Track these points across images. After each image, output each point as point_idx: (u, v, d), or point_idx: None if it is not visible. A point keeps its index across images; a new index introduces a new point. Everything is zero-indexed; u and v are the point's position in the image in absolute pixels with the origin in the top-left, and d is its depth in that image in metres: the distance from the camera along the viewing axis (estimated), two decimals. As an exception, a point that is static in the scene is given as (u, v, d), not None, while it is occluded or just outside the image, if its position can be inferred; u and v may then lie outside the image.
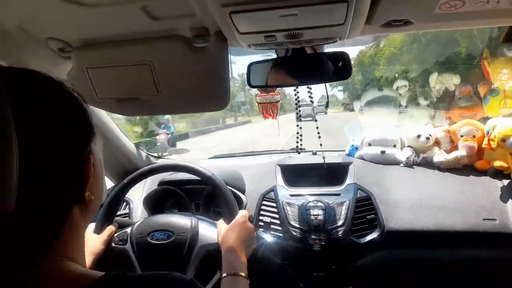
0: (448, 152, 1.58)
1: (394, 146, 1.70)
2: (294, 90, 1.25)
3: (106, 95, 1.05)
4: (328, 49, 1.15)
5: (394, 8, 0.80)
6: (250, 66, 1.12)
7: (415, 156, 1.63)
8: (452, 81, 1.74)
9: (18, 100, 0.44)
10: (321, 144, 1.47)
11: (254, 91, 1.32)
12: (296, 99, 1.25)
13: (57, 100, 0.52)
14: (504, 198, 1.31)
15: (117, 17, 0.84)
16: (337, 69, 1.09)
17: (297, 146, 1.41)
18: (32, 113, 0.47)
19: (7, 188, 0.38)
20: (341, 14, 0.74)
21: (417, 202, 1.35)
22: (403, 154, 1.64)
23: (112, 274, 0.52)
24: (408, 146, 1.69)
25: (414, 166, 1.60)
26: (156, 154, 2.02)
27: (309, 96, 1.25)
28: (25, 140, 0.42)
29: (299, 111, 1.29)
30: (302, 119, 1.34)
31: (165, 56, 0.95)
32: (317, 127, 1.36)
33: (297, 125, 1.30)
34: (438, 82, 1.78)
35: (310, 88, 1.21)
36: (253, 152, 2.19)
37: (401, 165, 1.61)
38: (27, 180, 0.42)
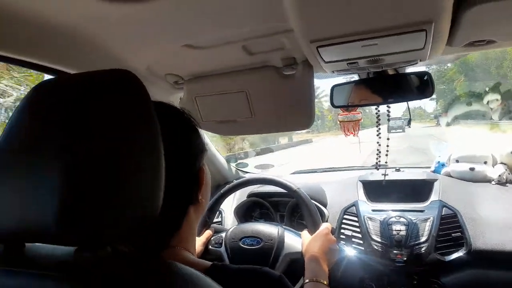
0: (548, 170, 1.48)
1: (485, 163, 1.63)
2: (376, 108, 1.30)
3: (209, 118, 1.25)
4: (410, 68, 1.20)
5: (475, 30, 0.83)
6: (333, 88, 1.21)
7: (509, 174, 1.55)
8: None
9: (162, 126, 0.60)
10: (386, 162, 1.48)
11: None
12: (377, 117, 1.30)
13: (182, 125, 0.69)
14: None
15: (222, 55, 1.02)
16: (419, 88, 1.12)
17: (376, 163, 1.45)
18: (170, 136, 0.60)
19: (158, 198, 0.49)
20: (420, 41, 0.79)
21: (509, 221, 1.29)
22: (495, 171, 1.56)
23: (219, 264, 0.66)
24: (501, 163, 1.60)
25: (507, 184, 1.52)
26: (244, 169, 2.20)
27: (387, 115, 1.29)
28: (165, 156, 0.54)
29: (379, 128, 1.34)
30: (393, 131, 1.36)
31: (259, 84, 1.11)
32: (387, 146, 1.38)
33: (377, 142, 1.35)
34: None
35: (389, 107, 1.26)
36: (334, 168, 2.25)
37: (493, 183, 1.54)
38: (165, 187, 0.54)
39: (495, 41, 0.89)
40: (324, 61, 0.92)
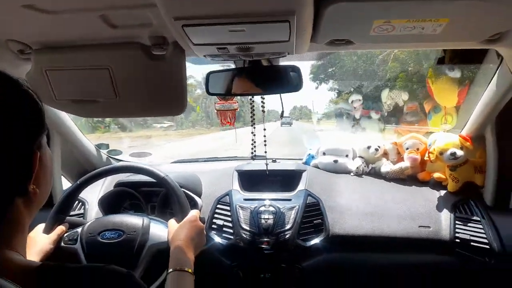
0: (394, 163, 1.69)
1: (347, 156, 1.80)
2: (250, 99, 1.31)
3: (64, 96, 1.08)
4: (284, 62, 1.23)
5: (334, 30, 0.88)
6: (209, 74, 1.18)
7: (365, 166, 1.74)
8: (401, 97, 1.87)
9: None
10: (265, 151, 1.53)
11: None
12: (251, 107, 1.31)
13: (9, 94, 0.55)
14: (439, 207, 1.43)
15: (77, 24, 0.87)
16: (290, 81, 1.16)
17: (252, 153, 1.47)
18: None
19: None
20: (285, 32, 0.81)
21: (362, 209, 1.44)
22: (354, 164, 1.74)
23: (51, 264, 0.56)
24: (359, 157, 1.79)
25: (363, 176, 1.71)
26: (117, 156, 2.03)
27: (262, 106, 1.31)
28: None
29: (254, 119, 1.35)
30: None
31: (124, 61, 0.99)
32: (264, 136, 1.42)
33: (252, 132, 1.36)
34: (389, 98, 1.90)
35: (264, 98, 1.28)
36: (216, 157, 2.23)
37: (352, 174, 1.71)
38: None
39: (353, 42, 0.96)
40: (192, 43, 0.87)
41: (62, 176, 1.67)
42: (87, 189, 1.28)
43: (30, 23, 0.87)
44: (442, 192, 1.52)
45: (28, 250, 1.08)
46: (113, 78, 1.01)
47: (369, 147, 1.74)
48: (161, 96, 1.08)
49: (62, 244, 1.15)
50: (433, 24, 0.81)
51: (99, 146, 1.87)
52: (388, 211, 1.43)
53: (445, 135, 1.53)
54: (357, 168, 1.70)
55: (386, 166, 1.67)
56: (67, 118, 1.55)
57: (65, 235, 1.17)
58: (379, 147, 1.73)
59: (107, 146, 1.97)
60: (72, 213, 1.49)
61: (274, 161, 1.92)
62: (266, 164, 1.60)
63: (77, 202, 1.54)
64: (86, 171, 1.71)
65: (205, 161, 2.19)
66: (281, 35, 0.83)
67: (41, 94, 1.01)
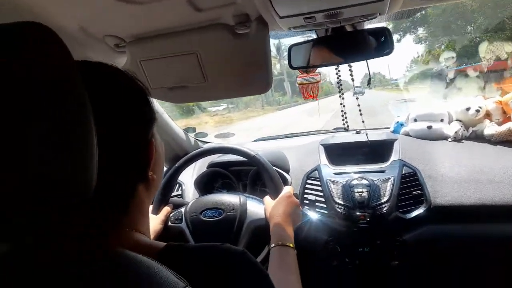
0: (500, 124, 1.51)
1: (442, 120, 1.65)
2: (336, 69, 1.25)
3: (159, 85, 1.13)
4: (369, 25, 1.15)
5: None
6: (290, 48, 1.14)
7: (464, 130, 1.58)
8: (504, 49, 1.64)
9: (93, 90, 0.51)
10: (363, 121, 1.48)
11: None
12: (338, 78, 1.25)
13: (126, 89, 0.59)
14: None
15: (165, 11, 0.90)
16: (379, 45, 1.08)
17: (343, 124, 1.42)
18: (105, 102, 0.52)
19: (90, 175, 0.42)
20: None
21: (465, 177, 1.32)
22: (451, 128, 1.59)
23: (173, 244, 0.59)
24: (457, 120, 1.63)
25: (463, 141, 1.56)
26: (204, 139, 2.12)
27: (350, 75, 1.25)
28: (100, 127, 0.46)
29: (341, 89, 1.30)
30: (356, 95, 1.34)
31: (210, 44, 1.01)
32: (359, 105, 1.36)
33: (341, 104, 1.31)
34: (489, 52, 1.68)
35: (351, 66, 1.22)
36: (296, 133, 2.22)
37: (449, 139, 1.57)
38: (102, 159, 0.46)
39: None
40: (279, 16, 0.85)
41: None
42: (183, 172, 1.36)
43: (123, 16, 0.91)
44: None
45: None
46: (201, 62, 1.04)
47: (468, 109, 1.57)
48: (247, 76, 1.08)
49: (169, 223, 1.24)
50: None
51: (186, 130, 1.96)
52: (497, 177, 1.29)
53: None
54: (456, 132, 1.55)
55: (490, 128, 1.50)
56: (158, 107, 1.64)
57: (171, 215, 1.26)
58: (480, 107, 1.55)
59: (193, 129, 2.06)
60: (172, 194, 1.60)
61: (358, 132, 1.85)
62: (352, 137, 1.54)
63: None
64: (177, 155, 1.82)
65: (285, 137, 2.19)
66: None
67: (138, 85, 1.07)
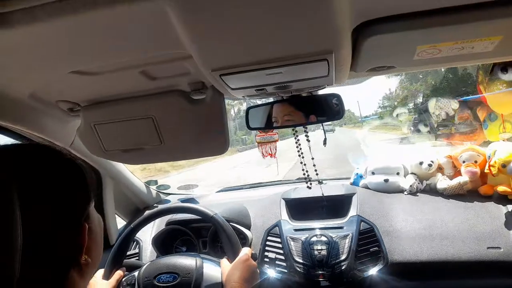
0: (451, 178, 1.58)
1: (398, 173, 1.71)
2: (293, 130, 1.29)
3: (113, 147, 1.12)
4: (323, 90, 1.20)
5: (374, 59, 0.84)
6: (248, 109, 1.18)
7: (419, 183, 1.64)
8: (451, 106, 1.76)
9: (22, 180, 0.49)
10: (317, 173, 1.49)
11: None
12: (296, 139, 1.29)
13: (55, 170, 0.56)
14: (508, 224, 1.30)
15: (120, 81, 0.91)
16: (331, 109, 1.13)
17: (305, 178, 1.44)
18: (33, 185, 0.51)
19: (13, 260, 0.41)
20: (323, 69, 0.78)
21: (420, 232, 1.35)
22: (406, 182, 1.65)
23: None
24: (411, 173, 1.70)
25: (418, 194, 1.61)
26: (166, 191, 2.08)
27: (306, 135, 1.29)
28: (26, 211, 0.45)
29: (302, 153, 1.32)
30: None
31: (166, 109, 1.02)
32: (313, 158, 1.38)
33: (299, 155, 1.33)
34: (437, 108, 1.79)
35: (306, 128, 1.26)
36: (261, 183, 2.22)
37: (405, 193, 1.62)
38: (27, 250, 0.45)
39: (395, 67, 0.91)
40: (230, 88, 0.88)
41: (116, 216, 1.74)
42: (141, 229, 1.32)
43: (77, 85, 0.91)
44: (510, 207, 1.38)
45: None
46: (157, 126, 1.04)
47: (421, 163, 1.65)
48: (204, 139, 1.09)
49: None
50: (484, 43, 0.75)
51: (148, 183, 1.93)
52: (450, 233, 1.32)
53: (506, 144, 1.42)
54: (411, 186, 1.61)
55: (442, 182, 1.56)
56: (118, 163, 1.62)
57: (123, 279, 1.19)
58: (432, 162, 1.63)
59: (155, 182, 2.03)
60: (128, 253, 1.53)
61: (320, 182, 1.88)
62: (311, 191, 1.55)
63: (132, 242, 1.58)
64: (137, 208, 1.78)
65: (250, 187, 2.19)
66: (320, 72, 0.81)
67: (91, 147, 1.06)
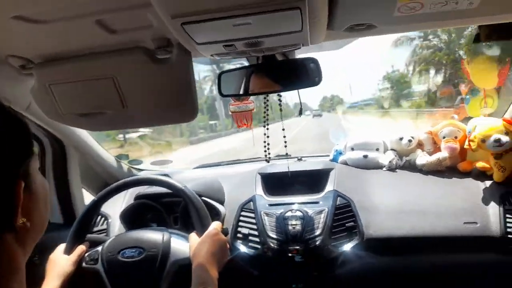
0: (431, 154, 1.55)
1: (377, 149, 1.67)
2: (264, 98, 1.22)
3: (70, 110, 1.03)
4: (301, 54, 1.13)
5: (353, 13, 0.78)
6: (220, 74, 1.11)
7: (398, 159, 1.61)
8: (434, 81, 1.72)
9: None
10: (286, 146, 1.43)
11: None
12: (265, 107, 1.22)
13: None
14: (485, 200, 1.28)
15: (74, 32, 0.82)
16: (308, 75, 1.06)
17: (265, 155, 1.38)
18: None
19: None
20: (296, 21, 0.71)
21: (398, 207, 1.32)
22: (385, 158, 1.61)
23: None
24: (391, 149, 1.66)
25: (397, 170, 1.58)
26: (138, 166, 1.99)
27: (279, 104, 1.22)
28: None
29: (267, 119, 1.26)
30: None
31: (128, 69, 0.94)
32: (284, 136, 1.32)
33: (264, 134, 1.26)
34: (420, 83, 1.75)
35: (280, 96, 1.19)
36: (239, 160, 2.16)
37: (384, 169, 1.59)
38: None
39: (376, 26, 0.85)
40: (196, 42, 0.80)
41: (85, 192, 1.66)
42: (109, 203, 1.25)
43: (25, 35, 0.82)
44: (487, 183, 1.36)
45: (49, 272, 1.06)
46: (119, 87, 0.96)
47: (401, 139, 1.61)
48: (171, 103, 1.02)
49: (84, 264, 1.12)
50: (470, -4, 0.69)
51: (119, 157, 1.84)
52: (427, 208, 1.30)
53: (486, 120, 1.38)
54: (390, 162, 1.57)
55: (422, 158, 1.53)
56: (83, 133, 1.52)
57: (86, 254, 1.14)
58: (412, 137, 1.59)
59: (126, 156, 1.94)
60: (95, 229, 1.47)
61: (299, 159, 1.83)
62: (288, 167, 1.50)
63: (99, 217, 1.51)
64: (107, 183, 1.69)
65: (228, 164, 2.13)
66: (292, 25, 0.73)
67: (47, 109, 0.96)
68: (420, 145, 1.63)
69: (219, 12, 0.67)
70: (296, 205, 1.36)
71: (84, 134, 1.54)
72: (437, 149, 1.58)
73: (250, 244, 1.32)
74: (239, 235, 1.35)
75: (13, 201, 0.50)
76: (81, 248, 1.14)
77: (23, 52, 0.92)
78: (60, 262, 1.09)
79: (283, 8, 0.66)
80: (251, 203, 1.42)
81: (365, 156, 1.63)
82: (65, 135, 1.43)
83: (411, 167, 1.58)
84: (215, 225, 1.11)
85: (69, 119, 1.07)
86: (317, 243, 1.24)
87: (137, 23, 0.81)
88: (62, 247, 1.14)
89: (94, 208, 1.20)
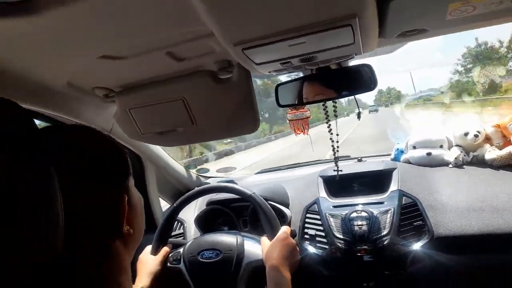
0: (501, 148, 1.49)
1: (441, 146, 1.64)
2: (323, 105, 1.26)
3: (148, 130, 1.17)
4: (354, 61, 1.16)
5: (403, 21, 0.81)
6: (277, 87, 1.16)
7: (465, 155, 1.56)
8: (497, 72, 1.63)
9: (60, 152, 0.52)
10: (335, 154, 1.44)
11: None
12: (325, 112, 1.26)
13: (93, 148, 0.59)
14: None
15: (148, 63, 0.94)
16: (363, 81, 1.09)
17: (335, 158, 1.42)
18: (72, 163, 0.54)
19: (56, 232, 0.44)
20: (348, 36, 0.75)
21: (468, 205, 1.29)
22: (451, 154, 1.57)
23: None
24: (456, 145, 1.62)
25: (464, 166, 1.53)
26: (205, 174, 2.14)
27: (334, 110, 1.26)
28: (66, 186, 0.48)
29: (330, 125, 1.30)
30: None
31: (195, 90, 1.05)
32: (338, 134, 1.33)
33: (330, 139, 1.30)
34: (482, 76, 1.68)
35: (335, 103, 1.23)
36: (299, 164, 2.21)
37: (450, 166, 1.55)
38: (70, 223, 0.48)
39: (427, 30, 0.87)
40: (255, 63, 0.88)
41: (160, 199, 1.82)
42: (184, 210, 1.37)
43: (109, 70, 0.96)
44: None
45: (140, 271, 1.19)
46: (188, 107, 1.07)
47: (466, 134, 1.56)
48: (234, 117, 1.11)
49: (168, 264, 1.25)
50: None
51: (188, 167, 1.99)
52: (500, 205, 1.25)
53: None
54: (456, 158, 1.53)
55: (491, 153, 1.47)
56: (157, 148, 1.69)
57: (170, 255, 1.26)
58: (479, 132, 1.54)
59: (194, 166, 2.08)
60: (173, 233, 1.60)
61: (360, 160, 1.85)
62: (338, 170, 1.51)
63: (176, 222, 1.65)
64: (180, 191, 1.84)
65: (288, 168, 2.19)
66: (345, 39, 0.78)
67: (129, 131, 1.10)
68: (487, 139, 1.57)
69: (275, 36, 0.74)
70: (360, 206, 1.39)
71: (158, 149, 1.70)
72: (507, 142, 1.51)
73: (318, 244, 1.37)
74: (306, 236, 1.41)
75: (120, 212, 0.61)
76: (165, 249, 1.27)
77: (107, 83, 1.07)
78: (149, 261, 1.22)
79: (334, 26, 0.71)
80: (315, 205, 1.47)
81: (429, 154, 1.60)
82: (142, 151, 1.60)
83: (479, 162, 1.53)
84: (284, 229, 1.17)
85: (148, 138, 1.21)
86: (385, 242, 1.26)
87: (201, 50, 0.91)
88: (148, 248, 1.27)
89: (173, 214, 1.33)
